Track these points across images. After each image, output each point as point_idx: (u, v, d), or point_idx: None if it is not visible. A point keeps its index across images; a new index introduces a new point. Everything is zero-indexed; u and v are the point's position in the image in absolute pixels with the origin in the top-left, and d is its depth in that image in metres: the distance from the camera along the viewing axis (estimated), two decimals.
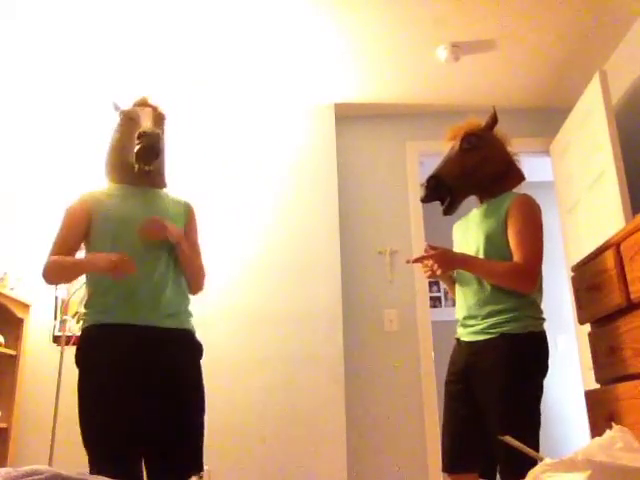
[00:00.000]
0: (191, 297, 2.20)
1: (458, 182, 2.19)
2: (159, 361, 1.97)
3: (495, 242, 2.09)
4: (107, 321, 1.98)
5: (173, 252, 2.09)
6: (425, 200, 2.23)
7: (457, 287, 2.21)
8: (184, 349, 2.06)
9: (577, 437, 3.90)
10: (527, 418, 1.93)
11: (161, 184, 2.23)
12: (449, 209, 2.22)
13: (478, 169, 2.20)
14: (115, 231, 2.05)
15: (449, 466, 2.08)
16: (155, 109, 2.22)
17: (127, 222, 2.05)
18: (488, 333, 2.03)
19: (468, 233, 2.22)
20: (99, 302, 2.02)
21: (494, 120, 2.30)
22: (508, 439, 1.48)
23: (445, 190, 2.19)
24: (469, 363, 2.08)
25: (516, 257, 2.03)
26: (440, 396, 3.38)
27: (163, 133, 2.20)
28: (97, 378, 1.93)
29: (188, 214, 2.24)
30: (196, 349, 2.11)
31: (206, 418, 2.08)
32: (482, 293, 2.08)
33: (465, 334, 2.14)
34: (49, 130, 3.63)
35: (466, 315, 2.13)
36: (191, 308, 2.18)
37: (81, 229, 2.08)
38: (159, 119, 2.21)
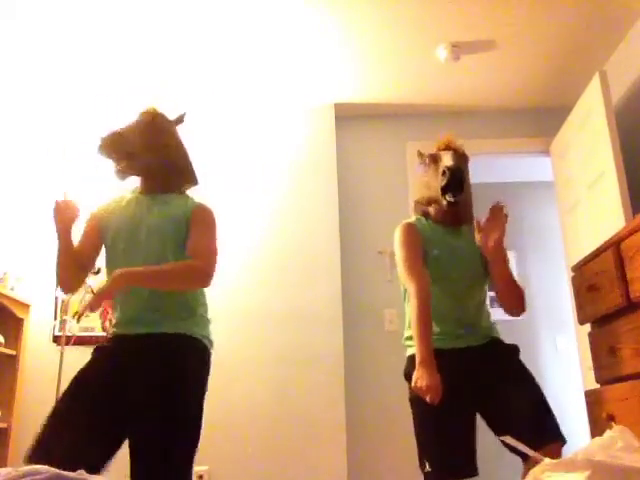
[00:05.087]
0: None
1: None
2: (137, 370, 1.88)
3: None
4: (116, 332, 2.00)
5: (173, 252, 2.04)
6: (448, 188, 2.18)
7: (450, 302, 2.16)
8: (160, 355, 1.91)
9: (577, 437, 3.90)
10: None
11: (172, 188, 2.15)
12: (458, 204, 2.21)
13: (468, 190, 2.27)
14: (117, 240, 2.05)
15: (464, 471, 1.98)
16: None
17: (124, 230, 2.03)
18: (487, 337, 2.12)
19: (460, 247, 2.22)
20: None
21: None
22: (509, 439, 1.49)
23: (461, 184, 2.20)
24: (475, 366, 2.05)
25: None
26: None
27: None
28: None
29: (188, 217, 2.05)
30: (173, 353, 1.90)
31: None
32: (481, 309, 2.17)
33: (462, 342, 2.11)
34: (49, 130, 3.63)
35: (465, 326, 2.13)
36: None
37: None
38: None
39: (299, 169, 3.65)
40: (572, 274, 2.43)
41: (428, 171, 2.27)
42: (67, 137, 3.61)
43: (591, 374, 2.27)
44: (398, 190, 3.76)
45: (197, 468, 3.08)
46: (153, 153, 2.09)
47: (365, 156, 3.84)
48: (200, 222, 2.05)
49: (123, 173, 2.11)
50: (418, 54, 3.26)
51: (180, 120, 2.23)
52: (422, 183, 2.31)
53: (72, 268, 2.02)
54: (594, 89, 3.01)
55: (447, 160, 2.20)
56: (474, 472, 1.99)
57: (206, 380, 1.95)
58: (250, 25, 2.99)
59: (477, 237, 2.11)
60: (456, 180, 2.15)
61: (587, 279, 2.21)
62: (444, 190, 2.17)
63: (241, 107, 3.72)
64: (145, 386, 1.81)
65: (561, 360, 4.52)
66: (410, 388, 1.99)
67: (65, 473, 1.10)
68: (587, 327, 2.33)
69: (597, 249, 2.16)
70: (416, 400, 1.97)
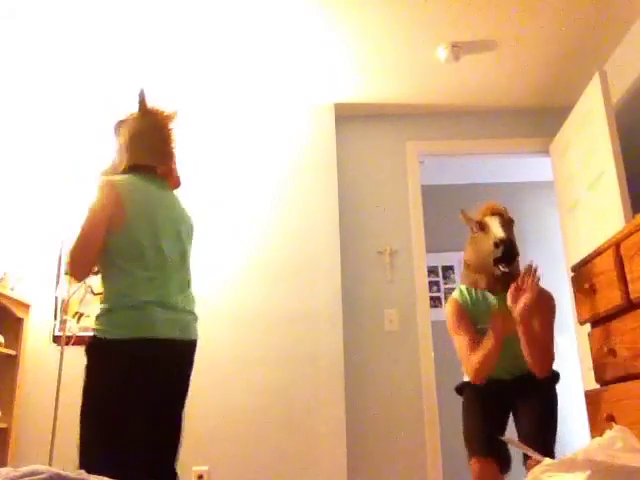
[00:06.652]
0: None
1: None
2: None
3: None
4: None
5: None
6: (502, 260, 2.33)
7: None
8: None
9: (577, 437, 3.90)
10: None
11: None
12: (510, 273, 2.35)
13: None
14: None
15: (489, 449, 2.28)
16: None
17: None
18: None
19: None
20: None
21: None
22: (510, 439, 1.51)
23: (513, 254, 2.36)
24: (514, 391, 2.41)
25: None
26: (439, 396, 3.38)
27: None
28: None
29: None
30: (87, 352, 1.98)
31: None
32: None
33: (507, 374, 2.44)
34: (49, 130, 3.63)
35: (514, 369, 2.42)
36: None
37: None
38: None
39: (299, 169, 3.65)
40: (572, 274, 2.43)
41: (476, 238, 2.40)
42: (67, 136, 3.61)
43: (591, 374, 2.27)
44: (398, 190, 3.76)
45: (197, 468, 3.09)
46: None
47: (365, 156, 3.84)
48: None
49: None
50: (418, 54, 3.26)
51: (141, 102, 2.29)
52: (471, 250, 2.43)
53: None
54: (594, 89, 3.01)
55: (496, 229, 2.33)
56: (495, 453, 2.26)
57: (105, 372, 1.92)
58: (251, 25, 2.99)
59: (508, 298, 2.26)
60: (509, 252, 2.29)
61: (587, 279, 2.21)
62: (497, 261, 2.30)
63: (242, 106, 3.72)
64: None
65: (561, 360, 4.52)
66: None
67: (64, 473, 1.10)
68: (587, 327, 2.32)
69: (597, 249, 2.16)
70: (463, 404, 2.47)
